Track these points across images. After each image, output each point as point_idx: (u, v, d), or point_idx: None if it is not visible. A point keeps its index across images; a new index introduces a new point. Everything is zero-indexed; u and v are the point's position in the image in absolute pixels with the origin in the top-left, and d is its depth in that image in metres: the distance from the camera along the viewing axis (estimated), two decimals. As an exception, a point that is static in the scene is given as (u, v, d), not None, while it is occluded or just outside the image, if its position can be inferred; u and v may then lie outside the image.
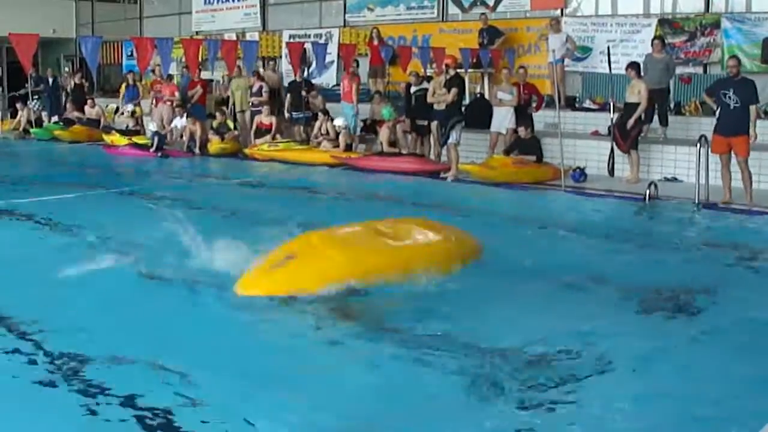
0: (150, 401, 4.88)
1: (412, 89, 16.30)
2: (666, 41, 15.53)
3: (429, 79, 16.29)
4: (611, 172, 14.20)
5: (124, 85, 21.86)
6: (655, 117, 14.58)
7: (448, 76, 14.69)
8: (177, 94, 19.50)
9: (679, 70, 15.68)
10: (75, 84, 22.64)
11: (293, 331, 6.33)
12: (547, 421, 4.76)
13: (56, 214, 10.70)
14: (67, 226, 10.04)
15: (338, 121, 16.69)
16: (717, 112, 12.10)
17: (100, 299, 6.95)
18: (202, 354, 5.75)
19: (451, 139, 14.37)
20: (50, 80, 23.33)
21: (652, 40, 15.27)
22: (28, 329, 6.18)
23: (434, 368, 5.53)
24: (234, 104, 19.20)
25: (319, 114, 17.39)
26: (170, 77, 20.31)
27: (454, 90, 14.42)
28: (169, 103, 19.35)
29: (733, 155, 11.93)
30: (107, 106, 22.76)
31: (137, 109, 20.35)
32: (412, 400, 5.11)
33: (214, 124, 18.46)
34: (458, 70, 15.44)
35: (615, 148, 14.15)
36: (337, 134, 16.55)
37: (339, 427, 4.70)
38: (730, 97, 11.77)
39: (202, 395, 4.98)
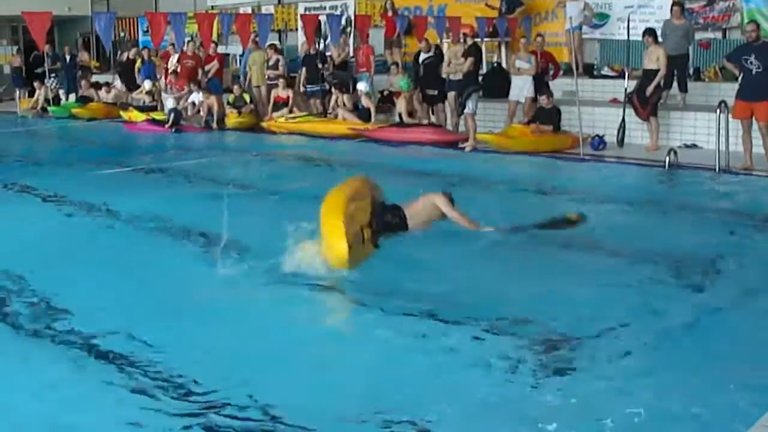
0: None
1: (421, 57, 16.27)
2: (685, 6, 15.35)
3: (438, 48, 16.27)
4: (621, 142, 14.14)
5: (139, 61, 21.83)
6: (675, 83, 14.48)
7: (465, 46, 14.63)
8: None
9: (698, 36, 15.53)
10: (127, 58, 22.40)
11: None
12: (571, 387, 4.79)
13: (74, 192, 10.73)
14: (87, 204, 10.07)
15: (360, 86, 16.70)
16: (739, 78, 12.00)
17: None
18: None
19: (468, 109, 14.32)
20: (67, 58, 23.34)
21: (672, 6, 15.09)
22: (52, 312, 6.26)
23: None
24: (250, 78, 19.16)
25: (333, 88, 17.38)
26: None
27: (470, 59, 14.38)
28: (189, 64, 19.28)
29: (754, 121, 11.84)
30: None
31: (155, 84, 20.33)
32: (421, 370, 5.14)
33: (231, 98, 18.47)
34: (475, 40, 15.37)
35: (627, 117, 14.09)
36: (355, 105, 16.55)
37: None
38: (751, 62, 11.66)
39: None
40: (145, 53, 21.44)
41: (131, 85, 21.23)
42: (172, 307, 6.26)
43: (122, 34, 26.65)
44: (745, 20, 14.92)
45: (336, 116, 16.87)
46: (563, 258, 7.34)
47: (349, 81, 17.54)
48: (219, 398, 4.65)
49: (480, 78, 15.52)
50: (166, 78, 19.99)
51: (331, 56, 18.87)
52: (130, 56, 22.03)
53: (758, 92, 11.66)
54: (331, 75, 17.93)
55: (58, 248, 8.01)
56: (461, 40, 15.04)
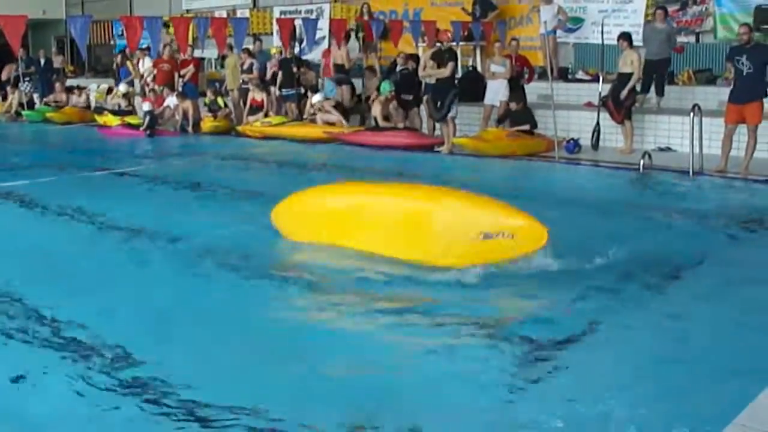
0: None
1: (398, 68, 16.30)
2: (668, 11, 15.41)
3: (417, 59, 16.29)
4: (595, 145, 14.23)
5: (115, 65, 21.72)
6: (652, 87, 14.58)
7: (436, 48, 14.70)
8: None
9: (673, 39, 15.63)
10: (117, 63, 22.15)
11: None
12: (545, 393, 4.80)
13: (49, 196, 10.66)
14: (62, 208, 10.01)
15: (317, 97, 16.72)
16: (732, 81, 12.09)
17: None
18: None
19: (452, 113, 14.35)
20: (42, 62, 23.19)
21: (655, 10, 15.16)
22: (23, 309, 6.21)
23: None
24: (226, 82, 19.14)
25: (309, 92, 17.35)
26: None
27: (450, 64, 14.40)
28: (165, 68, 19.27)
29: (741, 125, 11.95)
30: (99, 86, 22.66)
31: (130, 89, 20.23)
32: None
33: (206, 101, 18.43)
34: (450, 44, 15.41)
35: (601, 121, 14.17)
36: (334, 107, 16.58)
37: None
38: (743, 63, 11.72)
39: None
40: (118, 58, 21.37)
41: None
42: (147, 309, 6.25)
43: (100, 42, 26.53)
44: (718, 24, 15.08)
45: (314, 120, 16.84)
46: (537, 259, 7.32)
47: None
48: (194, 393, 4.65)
49: (455, 82, 15.56)
50: (140, 80, 19.99)
51: (305, 61, 18.84)
52: (119, 61, 21.95)
53: (749, 93, 11.72)
54: (337, 80, 17.78)
55: (30, 251, 7.97)
56: (437, 45, 15.04)
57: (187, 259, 7.60)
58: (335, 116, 16.30)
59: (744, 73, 11.74)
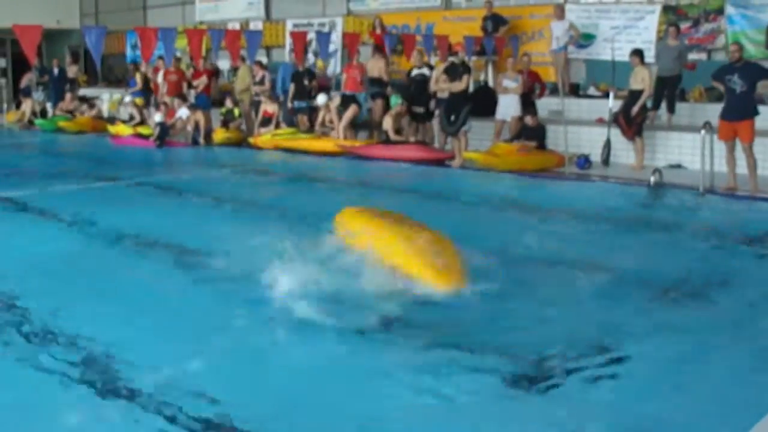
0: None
1: (414, 72, 16.31)
2: (680, 28, 15.44)
3: (430, 66, 16.30)
4: (606, 161, 14.24)
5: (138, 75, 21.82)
6: (663, 104, 14.59)
7: (449, 63, 14.73)
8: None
9: (685, 56, 15.66)
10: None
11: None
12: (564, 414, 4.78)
13: (60, 206, 10.71)
14: (70, 217, 10.04)
15: (321, 99, 16.84)
16: (725, 98, 12.13)
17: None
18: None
19: (466, 126, 14.40)
20: (55, 71, 23.32)
21: (668, 27, 15.20)
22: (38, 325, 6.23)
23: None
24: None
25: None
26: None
27: (465, 76, 14.46)
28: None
29: (738, 141, 11.94)
30: (112, 96, 22.77)
31: (137, 99, 20.29)
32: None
33: (222, 111, 18.52)
34: (463, 58, 15.47)
35: (612, 137, 14.18)
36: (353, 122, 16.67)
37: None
38: (734, 82, 11.76)
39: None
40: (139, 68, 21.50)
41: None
42: (154, 323, 6.25)
43: (113, 53, 26.64)
44: (730, 41, 15.07)
45: (325, 133, 16.93)
46: (547, 275, 7.33)
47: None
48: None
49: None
50: (156, 93, 20.10)
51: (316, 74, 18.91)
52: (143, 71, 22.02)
53: (741, 112, 11.76)
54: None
55: (41, 262, 7.98)
56: (448, 60, 15.09)
57: (194, 269, 7.63)
58: (344, 121, 16.42)
59: (737, 92, 11.79)
